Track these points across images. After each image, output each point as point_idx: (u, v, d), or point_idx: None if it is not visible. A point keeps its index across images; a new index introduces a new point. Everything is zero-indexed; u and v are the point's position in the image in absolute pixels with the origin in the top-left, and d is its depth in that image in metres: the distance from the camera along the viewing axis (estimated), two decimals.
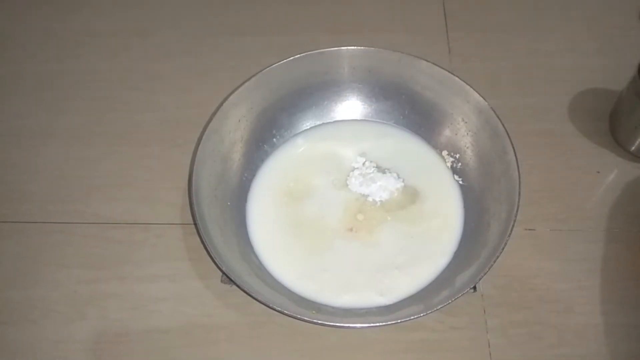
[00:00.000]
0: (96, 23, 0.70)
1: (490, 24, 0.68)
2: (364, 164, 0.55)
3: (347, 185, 0.54)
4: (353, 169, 0.55)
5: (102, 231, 0.54)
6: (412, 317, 0.43)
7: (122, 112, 0.62)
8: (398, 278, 0.49)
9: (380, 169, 0.55)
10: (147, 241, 0.54)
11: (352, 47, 0.55)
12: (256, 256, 0.51)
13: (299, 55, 0.54)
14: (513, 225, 0.45)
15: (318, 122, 0.58)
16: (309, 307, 0.47)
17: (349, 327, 0.47)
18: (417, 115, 0.57)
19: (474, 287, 0.48)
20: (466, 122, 0.54)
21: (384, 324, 0.44)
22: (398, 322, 0.44)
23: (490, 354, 0.48)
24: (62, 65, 0.66)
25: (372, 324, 0.44)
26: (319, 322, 0.43)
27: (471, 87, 0.52)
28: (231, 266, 0.46)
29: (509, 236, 0.45)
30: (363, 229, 0.52)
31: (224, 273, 0.47)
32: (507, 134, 0.50)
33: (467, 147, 0.54)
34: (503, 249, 0.45)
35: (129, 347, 0.49)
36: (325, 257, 0.51)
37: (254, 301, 0.44)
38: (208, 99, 0.57)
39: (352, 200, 0.54)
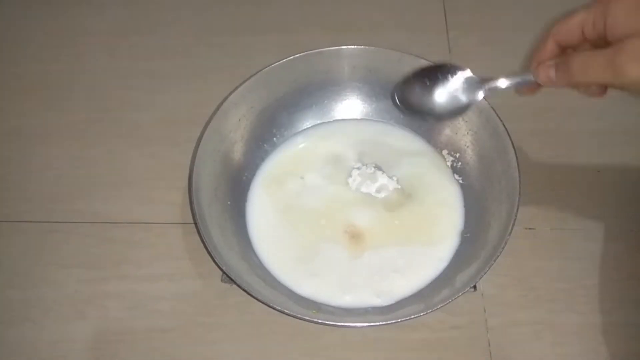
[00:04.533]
0: (95, 21, 0.70)
1: (491, 23, 0.68)
2: (363, 163, 0.55)
3: (346, 184, 0.54)
4: (353, 169, 0.55)
5: (102, 230, 0.54)
6: (412, 317, 0.43)
7: (122, 111, 0.62)
8: (397, 279, 0.49)
9: (380, 169, 0.55)
10: (147, 240, 0.54)
11: (352, 47, 0.55)
12: (256, 255, 0.51)
13: (299, 55, 0.54)
14: (513, 225, 0.45)
15: (318, 122, 0.58)
16: (309, 306, 0.47)
17: (349, 326, 0.47)
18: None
19: (474, 286, 0.48)
20: (466, 121, 0.54)
21: (384, 323, 0.44)
22: (398, 322, 0.44)
23: (490, 353, 0.48)
24: (62, 65, 0.66)
25: (372, 324, 0.44)
26: (320, 321, 0.43)
27: None
28: (231, 265, 0.46)
29: (509, 235, 0.45)
30: (362, 228, 0.52)
31: (224, 272, 0.47)
32: (508, 133, 0.50)
33: (467, 147, 0.54)
34: (503, 248, 0.45)
35: (129, 347, 0.49)
36: (324, 258, 0.51)
37: (254, 300, 0.44)
38: (208, 98, 0.57)
39: (352, 199, 0.54)
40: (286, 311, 0.43)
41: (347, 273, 0.50)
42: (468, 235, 0.51)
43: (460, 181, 0.54)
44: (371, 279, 0.49)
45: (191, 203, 0.48)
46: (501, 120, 0.50)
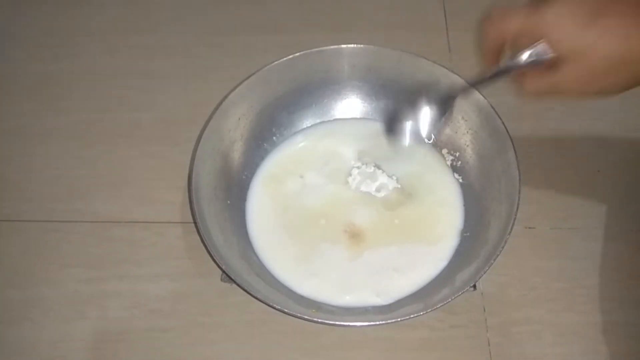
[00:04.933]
0: (95, 21, 0.70)
1: None
2: (363, 162, 0.55)
3: (346, 183, 0.54)
4: (352, 168, 0.55)
5: (101, 230, 0.54)
6: (412, 316, 0.43)
7: (121, 110, 0.62)
8: (397, 279, 0.49)
9: (380, 168, 0.55)
10: (147, 240, 0.54)
11: (352, 46, 0.55)
12: (256, 255, 0.51)
13: (298, 54, 0.54)
14: (513, 224, 0.45)
15: (318, 121, 0.58)
16: (309, 305, 0.47)
17: (349, 325, 0.47)
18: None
19: (474, 286, 0.48)
20: (466, 120, 0.54)
21: (384, 322, 0.44)
22: (398, 321, 0.44)
23: (490, 352, 0.48)
24: (61, 64, 0.66)
25: (372, 323, 0.44)
26: (319, 320, 0.43)
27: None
28: (231, 265, 0.46)
29: (509, 234, 0.45)
30: (362, 227, 0.52)
31: (223, 272, 0.47)
32: (507, 132, 0.50)
33: (467, 146, 0.54)
34: (503, 247, 0.45)
35: (129, 346, 0.49)
36: (324, 257, 0.51)
37: (254, 300, 0.44)
38: (208, 97, 0.57)
39: (351, 199, 0.54)
40: (286, 310, 0.43)
41: (347, 272, 0.50)
42: (468, 234, 0.51)
43: (460, 180, 0.54)
44: (371, 279, 0.49)
45: (191, 202, 0.48)
46: (501, 120, 0.50)
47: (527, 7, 0.37)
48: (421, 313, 0.43)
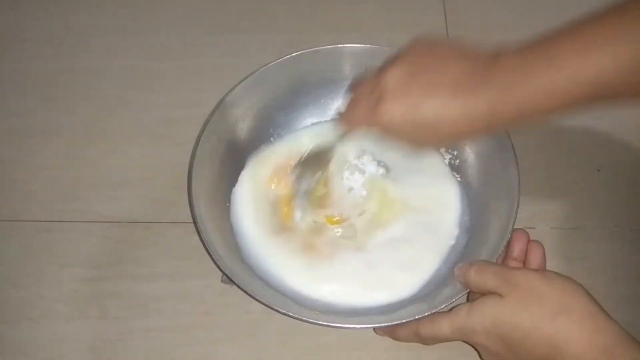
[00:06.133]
0: (95, 20, 0.70)
1: (491, 22, 0.68)
2: (362, 162, 0.55)
3: (341, 181, 0.54)
4: (352, 167, 0.55)
5: (102, 230, 0.54)
6: (415, 318, 0.43)
7: (121, 110, 0.62)
8: (396, 279, 0.49)
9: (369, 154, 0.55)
10: (147, 240, 0.54)
11: (351, 45, 0.55)
12: (256, 257, 0.51)
13: (296, 54, 0.54)
14: (514, 224, 0.45)
15: (315, 120, 0.58)
16: (310, 306, 0.47)
17: (350, 327, 0.47)
18: None
19: None
20: None
21: (386, 324, 0.43)
22: (401, 322, 0.44)
23: None
24: (62, 64, 0.66)
25: (373, 325, 0.44)
26: (321, 322, 0.43)
27: None
28: (231, 266, 0.46)
29: (510, 234, 0.45)
30: (362, 228, 0.52)
31: (224, 273, 0.47)
32: (506, 131, 0.49)
33: (466, 144, 0.54)
34: (504, 247, 0.45)
35: (129, 346, 0.49)
36: (325, 258, 0.50)
37: (254, 300, 0.44)
38: (207, 97, 0.57)
39: (348, 198, 0.53)
40: (287, 312, 0.43)
41: (346, 273, 0.49)
42: (468, 234, 0.51)
43: (459, 179, 0.54)
44: (370, 279, 0.49)
45: (190, 203, 0.48)
46: None
47: (367, 103, 0.43)
48: (424, 315, 0.43)
